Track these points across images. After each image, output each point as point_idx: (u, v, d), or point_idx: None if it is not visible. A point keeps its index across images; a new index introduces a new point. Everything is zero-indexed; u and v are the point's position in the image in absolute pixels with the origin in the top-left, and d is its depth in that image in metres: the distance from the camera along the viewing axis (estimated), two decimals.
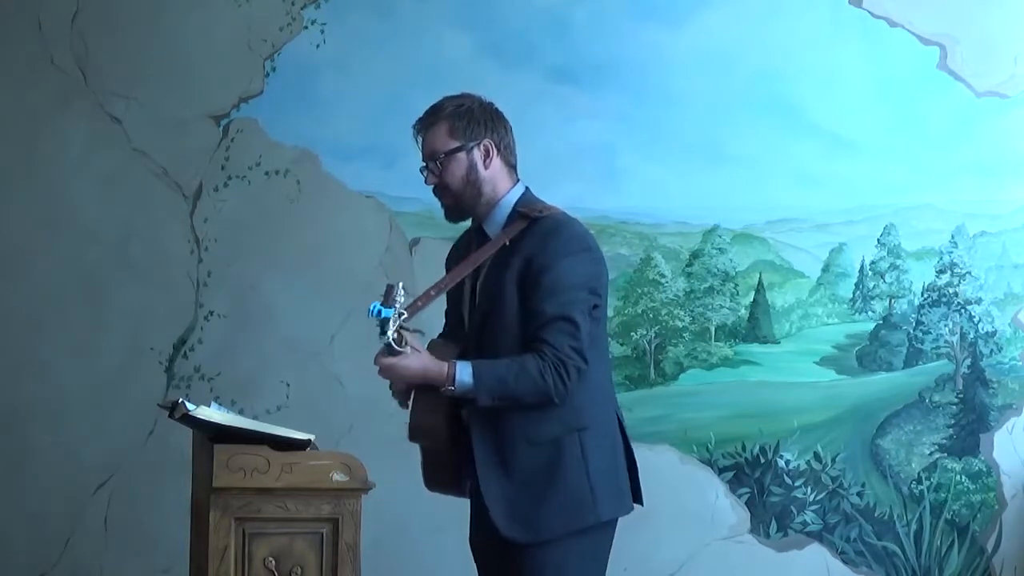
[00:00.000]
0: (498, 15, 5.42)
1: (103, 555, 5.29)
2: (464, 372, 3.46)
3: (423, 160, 3.61)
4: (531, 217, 3.55)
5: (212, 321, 5.35)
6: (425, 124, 3.61)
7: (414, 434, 3.57)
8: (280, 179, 5.37)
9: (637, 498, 3.68)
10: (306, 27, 5.37)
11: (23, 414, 5.28)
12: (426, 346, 3.58)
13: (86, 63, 5.33)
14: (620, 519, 3.67)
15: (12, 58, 5.31)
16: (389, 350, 3.42)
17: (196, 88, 5.34)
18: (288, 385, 5.32)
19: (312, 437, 3.44)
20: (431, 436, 3.57)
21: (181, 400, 3.39)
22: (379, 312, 3.37)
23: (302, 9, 5.37)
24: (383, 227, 5.39)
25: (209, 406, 3.45)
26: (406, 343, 3.44)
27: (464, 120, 3.58)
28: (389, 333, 3.38)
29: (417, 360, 3.46)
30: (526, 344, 3.49)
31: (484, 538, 3.62)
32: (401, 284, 3.41)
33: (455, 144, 3.57)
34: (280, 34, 5.37)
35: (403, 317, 3.41)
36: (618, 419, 3.65)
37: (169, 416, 3.43)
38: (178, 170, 5.35)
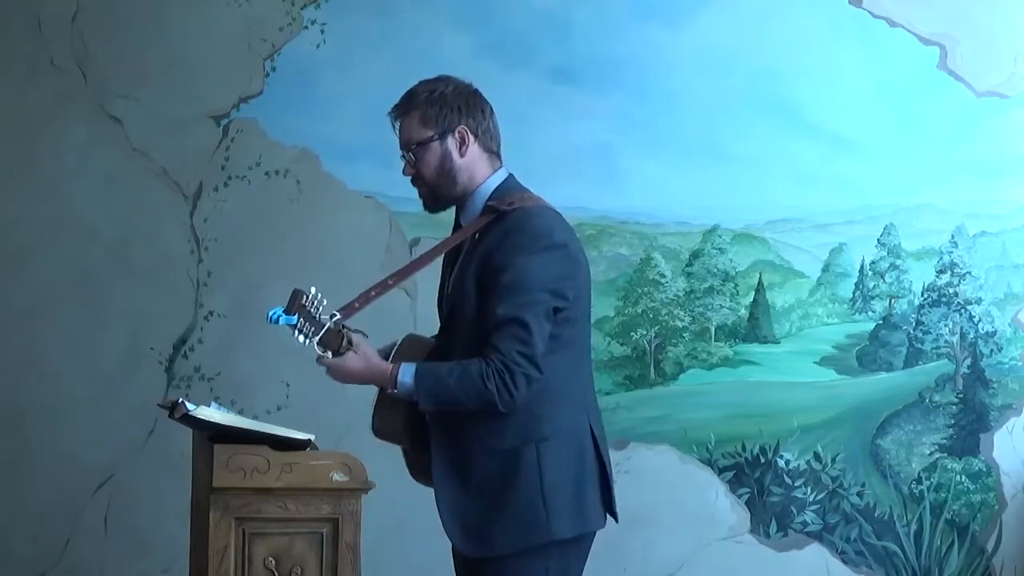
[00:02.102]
0: (498, 15, 5.42)
1: (103, 555, 5.29)
2: (406, 374, 3.33)
3: (400, 148, 3.49)
4: (499, 210, 3.38)
5: (212, 321, 5.35)
6: (399, 111, 3.47)
7: (376, 433, 3.52)
8: (280, 179, 5.37)
9: (611, 513, 3.48)
10: (306, 27, 5.37)
11: (23, 414, 5.28)
12: (400, 341, 3.50)
13: (86, 63, 5.33)
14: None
15: (12, 58, 5.31)
16: (324, 352, 3.38)
17: (196, 88, 5.34)
18: (288, 385, 5.32)
19: (312, 437, 3.43)
20: (392, 437, 3.50)
21: (181, 400, 3.39)
22: (277, 319, 3.32)
23: (302, 9, 5.37)
24: (383, 227, 5.39)
25: (209, 406, 3.45)
26: (348, 343, 3.37)
27: (436, 107, 3.42)
28: (299, 339, 3.33)
29: (358, 361, 3.37)
30: (479, 346, 3.31)
31: (454, 548, 3.50)
32: (313, 289, 3.33)
33: (428, 133, 3.42)
34: (280, 34, 5.37)
35: (336, 318, 3.36)
36: (591, 430, 3.43)
37: (169, 416, 3.42)
38: (178, 170, 5.35)
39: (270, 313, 3.32)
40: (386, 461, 3.64)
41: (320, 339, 3.37)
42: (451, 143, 3.43)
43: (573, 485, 3.38)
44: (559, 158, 5.31)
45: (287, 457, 3.35)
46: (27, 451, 5.28)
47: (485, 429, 3.34)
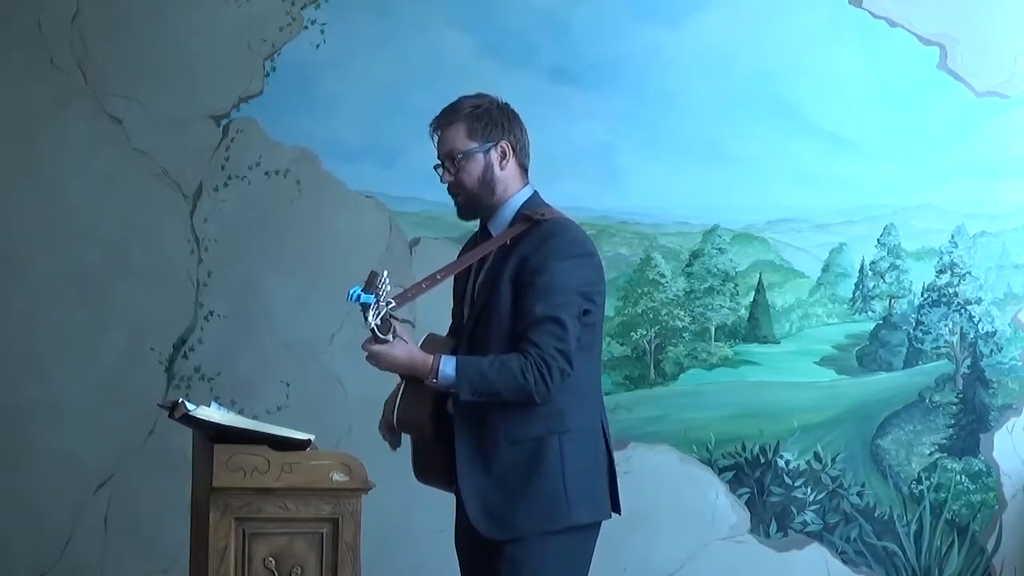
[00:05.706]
0: (498, 15, 5.42)
1: (103, 555, 5.29)
2: (448, 365, 3.48)
3: (438, 158, 3.63)
4: (533, 219, 3.58)
5: (212, 321, 5.35)
6: (443, 123, 3.63)
7: (400, 426, 3.60)
8: (280, 179, 5.37)
9: (616, 506, 3.67)
10: (306, 27, 5.37)
11: (23, 414, 5.28)
12: (422, 340, 3.60)
13: (86, 63, 5.33)
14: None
15: (12, 58, 5.31)
16: (374, 337, 3.43)
17: (196, 88, 5.35)
18: (288, 385, 5.33)
19: (312, 437, 3.44)
20: (416, 429, 3.60)
21: (181, 400, 3.39)
22: (358, 297, 3.37)
23: (302, 9, 5.37)
24: (383, 227, 5.39)
25: (209, 406, 3.45)
26: (394, 332, 3.45)
27: (483, 121, 3.61)
28: (370, 319, 3.39)
29: (403, 350, 3.48)
30: (514, 343, 3.50)
31: (467, 536, 3.63)
32: (386, 272, 3.40)
33: (473, 145, 3.59)
34: (280, 34, 5.37)
35: (391, 306, 3.42)
36: (602, 427, 3.65)
37: (169, 416, 3.43)
38: (178, 170, 5.35)
39: (351, 291, 3.37)
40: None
41: (378, 323, 3.42)
42: (494, 156, 3.62)
43: (590, 475, 3.58)
44: (559, 158, 5.30)
45: (287, 457, 3.35)
46: (27, 451, 5.28)
47: (511, 421, 3.52)
